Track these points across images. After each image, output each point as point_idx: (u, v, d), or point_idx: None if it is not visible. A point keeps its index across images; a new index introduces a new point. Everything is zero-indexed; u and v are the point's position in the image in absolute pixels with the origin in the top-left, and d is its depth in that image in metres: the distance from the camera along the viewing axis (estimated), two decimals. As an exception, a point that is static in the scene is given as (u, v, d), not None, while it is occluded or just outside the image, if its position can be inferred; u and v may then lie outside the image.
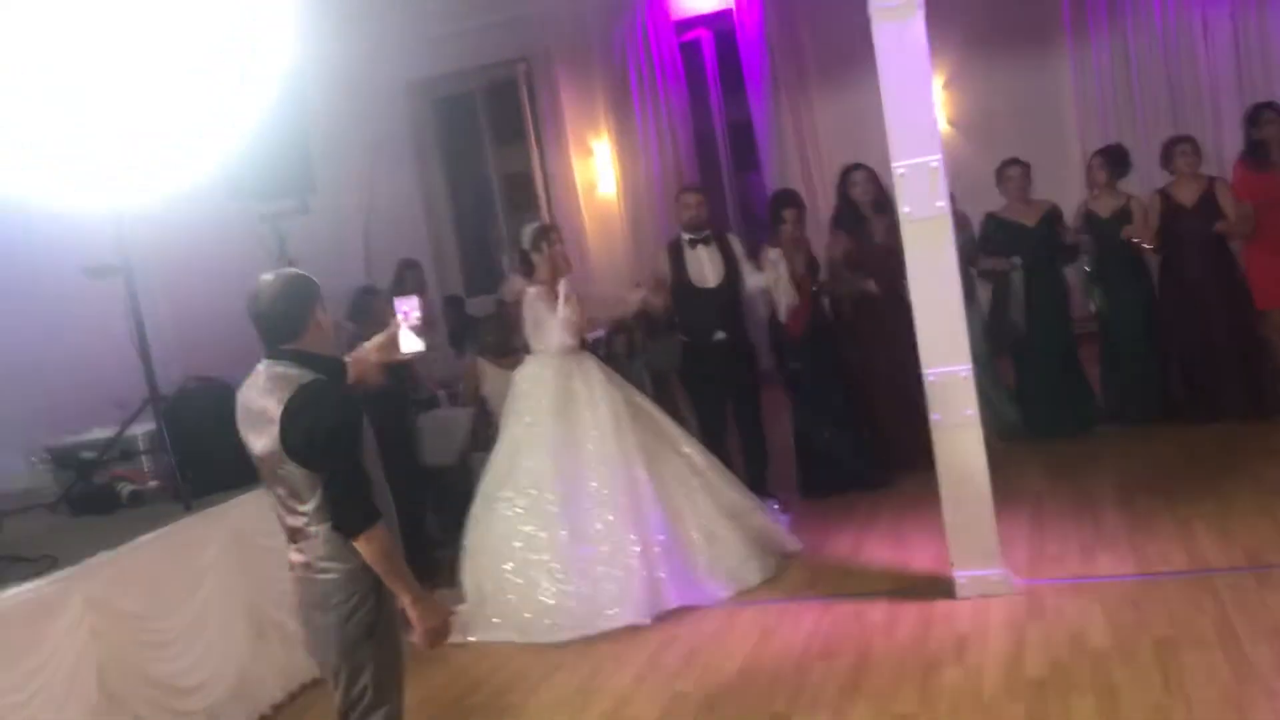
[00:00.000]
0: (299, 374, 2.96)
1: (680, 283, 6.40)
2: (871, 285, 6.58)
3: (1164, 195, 6.76)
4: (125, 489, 4.95)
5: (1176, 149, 6.73)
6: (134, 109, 3.66)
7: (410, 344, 3.35)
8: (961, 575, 4.69)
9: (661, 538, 5.22)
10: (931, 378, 4.66)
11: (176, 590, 4.23)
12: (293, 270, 3.11)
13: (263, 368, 3.04)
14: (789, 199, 6.76)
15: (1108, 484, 5.96)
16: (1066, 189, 7.66)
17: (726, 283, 6.43)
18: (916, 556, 5.32)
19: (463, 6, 9.28)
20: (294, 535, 3.05)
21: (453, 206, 10.82)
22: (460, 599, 5.34)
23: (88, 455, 5.20)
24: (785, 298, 6.42)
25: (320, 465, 2.92)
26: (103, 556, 4.06)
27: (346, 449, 2.92)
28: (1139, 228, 6.73)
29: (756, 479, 6.37)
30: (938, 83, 8.67)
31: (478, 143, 10.62)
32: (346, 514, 2.92)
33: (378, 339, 3.42)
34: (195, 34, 3.72)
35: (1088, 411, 7.02)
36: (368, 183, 9.94)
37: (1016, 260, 6.90)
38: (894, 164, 4.58)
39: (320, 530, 2.97)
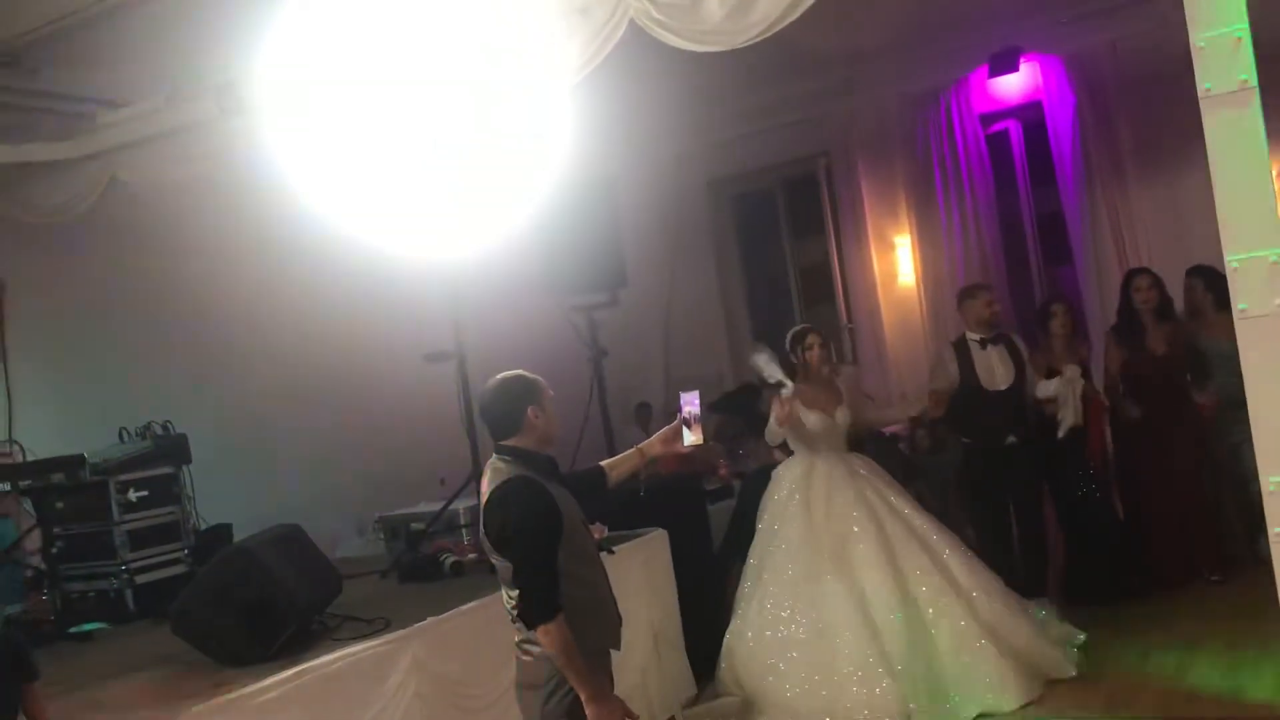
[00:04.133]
0: (507, 469, 3.18)
1: (969, 384, 6.20)
2: (1135, 412, 6.36)
3: None
4: (448, 560, 5.32)
5: None
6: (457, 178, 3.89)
7: (691, 438, 3.51)
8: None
9: (904, 656, 5.02)
10: (1271, 488, 4.27)
11: (491, 659, 4.44)
12: (515, 373, 3.34)
13: (489, 462, 3.31)
14: (1057, 295, 6.81)
15: None
16: None
17: (1016, 385, 6.21)
18: (1250, 683, 4.84)
19: (765, 107, 9.53)
20: (511, 616, 3.24)
21: (749, 299, 11.01)
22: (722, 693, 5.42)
23: (416, 527, 5.65)
24: (1071, 416, 6.15)
25: (510, 556, 3.12)
26: (427, 622, 4.37)
27: (533, 543, 3.08)
28: None
29: (1035, 580, 6.08)
30: (1274, 170, 8.07)
31: (775, 236, 10.79)
32: (528, 605, 3.09)
33: (662, 432, 3.63)
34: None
35: None
36: (669, 277, 10.32)
37: None
38: (1227, 257, 4.31)
39: None
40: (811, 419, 5.57)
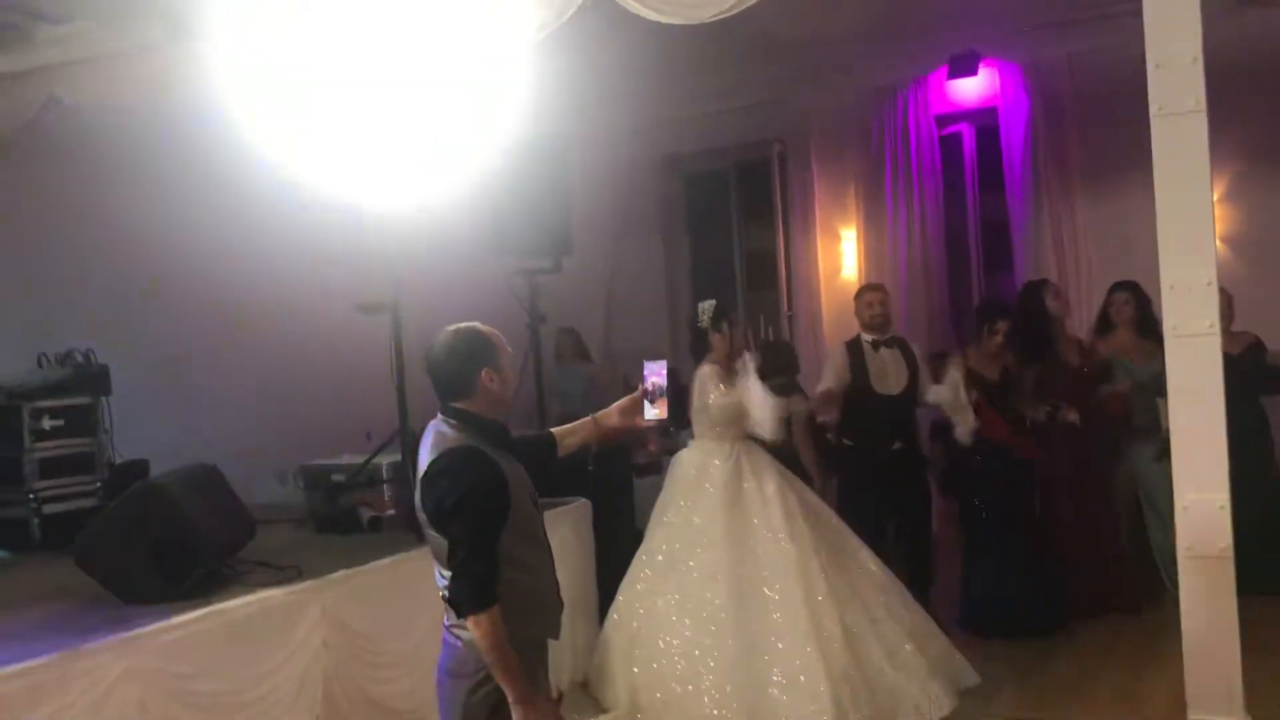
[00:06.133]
0: (453, 436, 2.88)
1: (859, 387, 6.01)
2: (1073, 416, 6.16)
3: None
4: (366, 514, 5.27)
5: None
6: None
7: (653, 412, 3.22)
8: (1199, 720, 4.34)
9: (842, 659, 4.71)
10: (1185, 505, 4.37)
11: (402, 616, 4.42)
12: (470, 327, 3.00)
13: (432, 423, 2.99)
14: (1002, 310, 6.41)
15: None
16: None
17: (908, 390, 6.04)
18: (1141, 700, 4.96)
19: (726, 89, 9.49)
20: (443, 597, 2.92)
21: (693, 278, 11.00)
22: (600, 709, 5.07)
23: (337, 478, 5.57)
24: (963, 419, 5.98)
25: (447, 534, 2.80)
26: (340, 574, 4.32)
27: (475, 524, 2.78)
28: None
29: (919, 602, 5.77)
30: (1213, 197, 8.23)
31: (725, 218, 10.79)
32: (461, 591, 2.79)
33: (621, 403, 3.31)
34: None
35: None
36: (615, 248, 10.27)
37: None
38: (1164, 276, 4.38)
39: None
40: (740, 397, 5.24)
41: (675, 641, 4.95)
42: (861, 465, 6.10)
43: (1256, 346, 6.49)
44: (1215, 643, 4.31)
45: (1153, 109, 4.38)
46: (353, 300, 5.54)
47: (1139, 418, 6.46)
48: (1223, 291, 6.34)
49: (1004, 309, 6.49)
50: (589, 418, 3.37)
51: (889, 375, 6.04)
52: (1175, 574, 4.69)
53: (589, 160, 8.02)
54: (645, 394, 3.23)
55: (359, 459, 5.62)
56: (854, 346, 6.14)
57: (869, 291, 6.30)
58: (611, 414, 3.32)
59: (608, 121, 9.04)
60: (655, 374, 3.22)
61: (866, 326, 6.14)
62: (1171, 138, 4.37)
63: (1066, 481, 6.27)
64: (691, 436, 5.52)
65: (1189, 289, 4.33)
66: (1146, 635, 5.76)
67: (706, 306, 5.48)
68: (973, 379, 6.05)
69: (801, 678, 4.67)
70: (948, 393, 5.98)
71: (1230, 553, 4.31)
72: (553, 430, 3.34)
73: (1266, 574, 5.93)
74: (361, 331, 5.75)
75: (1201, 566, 4.35)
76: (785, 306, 10.08)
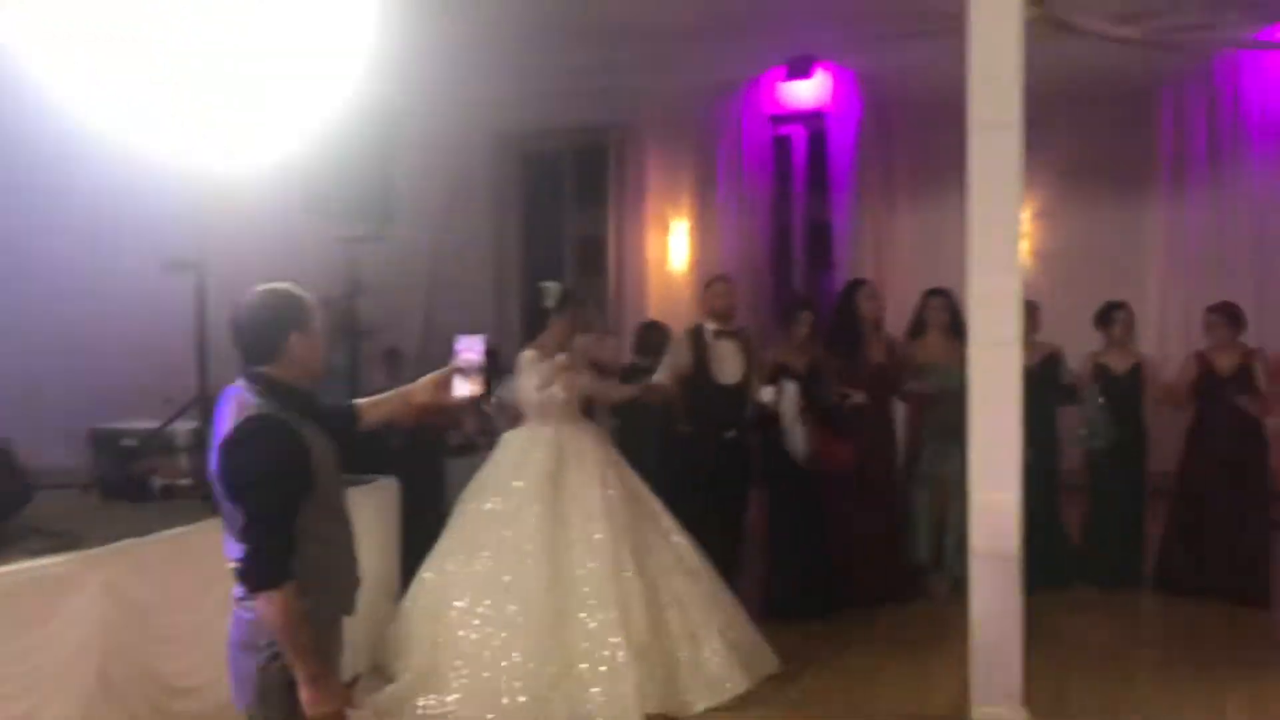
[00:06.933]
0: (255, 404, 2.72)
1: (700, 374, 6.15)
2: (859, 398, 6.34)
3: (1200, 358, 6.65)
4: (158, 482, 5.00)
5: (1211, 317, 6.65)
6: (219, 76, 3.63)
7: (464, 388, 3.09)
8: (981, 712, 4.53)
9: (645, 638, 4.82)
10: (977, 503, 4.55)
11: (190, 589, 4.20)
12: (281, 288, 2.83)
13: (232, 387, 2.82)
14: (805, 303, 6.68)
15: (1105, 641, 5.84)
16: (1140, 340, 7.53)
17: (745, 381, 6.23)
18: (929, 690, 5.13)
19: (569, 69, 9.40)
20: (234, 569, 2.76)
21: (522, 259, 10.90)
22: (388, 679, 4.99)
23: (129, 443, 5.27)
24: (797, 431, 6.04)
25: (243, 506, 2.67)
26: (124, 543, 4.08)
27: (271, 497, 2.66)
28: (1165, 389, 6.77)
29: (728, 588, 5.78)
30: (1026, 214, 8.64)
31: (558, 202, 10.74)
32: (252, 566, 2.66)
33: (432, 377, 3.15)
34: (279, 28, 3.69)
35: (1064, 566, 6.73)
36: (443, 222, 10.05)
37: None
38: (970, 283, 4.54)
39: None
40: (580, 383, 5.33)
41: (479, 609, 4.94)
42: (693, 451, 6.19)
43: (1054, 358, 6.80)
44: (1000, 638, 4.51)
45: (970, 121, 4.53)
46: (159, 256, 5.22)
47: (950, 420, 6.69)
48: (1030, 302, 6.72)
49: (807, 302, 6.76)
50: (397, 391, 3.22)
51: (728, 365, 6.19)
52: (962, 571, 4.90)
53: (418, 130, 7.83)
54: (457, 370, 3.11)
55: (154, 424, 5.32)
56: (696, 335, 6.25)
57: (718, 282, 6.47)
58: (423, 388, 3.16)
59: (444, 90, 8.83)
60: (469, 349, 3.09)
61: (712, 315, 6.26)
62: (986, 150, 4.54)
63: (858, 475, 6.42)
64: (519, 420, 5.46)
65: (995, 299, 4.50)
66: (934, 625, 6.00)
67: (552, 288, 5.37)
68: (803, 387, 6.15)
69: (605, 653, 4.75)
70: (774, 395, 6.04)
71: (1019, 551, 4.51)
72: (358, 402, 3.17)
73: (1045, 571, 6.20)
74: (166, 290, 5.43)
75: (991, 564, 4.53)
76: (612, 292, 10.10)
